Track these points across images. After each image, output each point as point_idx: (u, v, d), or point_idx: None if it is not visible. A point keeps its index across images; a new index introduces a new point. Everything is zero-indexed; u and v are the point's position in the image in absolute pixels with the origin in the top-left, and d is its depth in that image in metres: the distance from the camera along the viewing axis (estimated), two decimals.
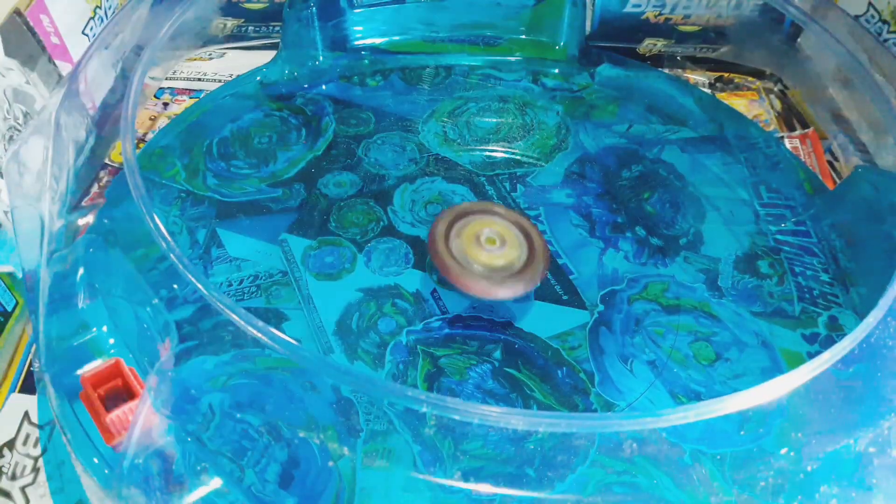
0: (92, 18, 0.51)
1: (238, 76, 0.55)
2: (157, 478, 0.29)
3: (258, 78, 0.54)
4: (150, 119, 0.54)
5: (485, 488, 0.33)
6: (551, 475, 0.33)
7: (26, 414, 0.37)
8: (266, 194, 0.47)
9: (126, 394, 0.29)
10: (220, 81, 0.56)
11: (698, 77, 0.57)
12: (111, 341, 0.31)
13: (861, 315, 0.37)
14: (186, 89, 0.56)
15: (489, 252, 0.40)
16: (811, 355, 0.39)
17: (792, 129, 0.54)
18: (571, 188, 0.48)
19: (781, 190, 0.47)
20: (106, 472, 0.30)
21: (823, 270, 0.43)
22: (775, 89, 0.56)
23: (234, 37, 0.59)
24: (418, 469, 0.34)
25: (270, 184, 0.47)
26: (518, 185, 0.48)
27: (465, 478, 0.33)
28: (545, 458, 0.33)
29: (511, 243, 0.41)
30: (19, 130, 0.43)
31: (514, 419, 0.27)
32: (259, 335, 0.28)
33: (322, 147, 0.50)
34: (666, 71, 0.56)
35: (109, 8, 0.53)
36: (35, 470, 0.35)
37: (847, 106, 0.48)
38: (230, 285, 0.42)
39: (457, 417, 0.27)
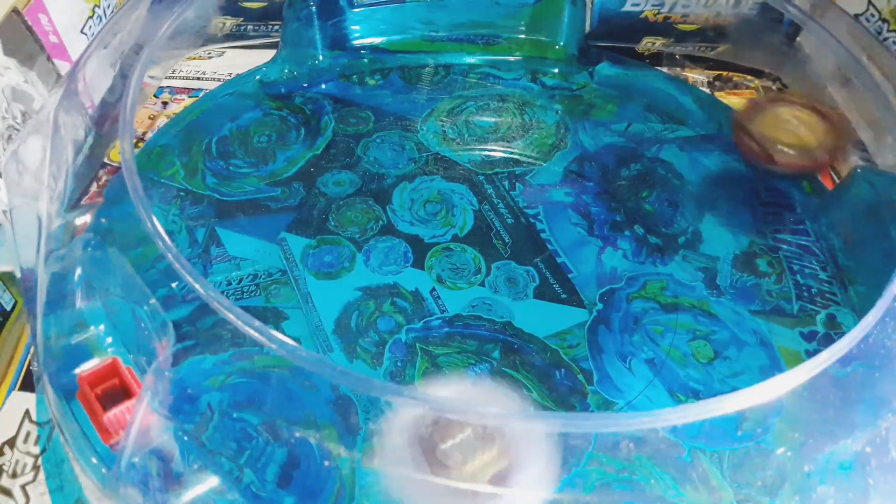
0: (91, 17, 0.51)
1: (237, 75, 0.55)
2: (155, 477, 0.29)
3: (257, 77, 0.54)
4: (150, 118, 0.54)
5: (481, 487, 0.33)
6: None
7: (27, 412, 0.37)
8: (265, 193, 0.47)
9: (123, 393, 0.29)
10: (219, 80, 0.56)
11: (697, 76, 0.57)
12: (109, 340, 0.31)
13: (859, 314, 0.37)
14: (185, 88, 0.56)
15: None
16: (810, 353, 0.39)
17: None
18: (570, 187, 0.48)
19: (780, 189, 0.47)
20: (104, 471, 0.30)
21: (822, 269, 0.43)
22: (774, 88, 0.56)
23: (234, 36, 0.59)
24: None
25: (269, 183, 0.47)
26: (517, 184, 0.48)
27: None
28: None
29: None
30: (18, 130, 0.43)
31: (512, 419, 0.27)
32: (255, 335, 0.28)
33: (321, 146, 0.50)
34: (665, 70, 0.56)
35: (108, 7, 0.53)
36: (35, 468, 0.35)
37: (846, 105, 0.48)
38: (229, 284, 0.42)
39: (454, 417, 0.26)
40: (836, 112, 0.45)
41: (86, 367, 0.30)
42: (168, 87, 0.56)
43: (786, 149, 0.44)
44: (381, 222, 0.45)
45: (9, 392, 0.38)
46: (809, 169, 0.45)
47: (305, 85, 0.54)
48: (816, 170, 0.45)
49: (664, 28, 0.56)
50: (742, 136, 0.46)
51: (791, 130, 0.44)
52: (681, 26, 0.56)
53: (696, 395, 0.38)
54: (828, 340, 0.39)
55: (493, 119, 0.52)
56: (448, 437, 0.28)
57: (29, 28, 0.45)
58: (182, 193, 0.46)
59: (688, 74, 0.57)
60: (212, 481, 0.30)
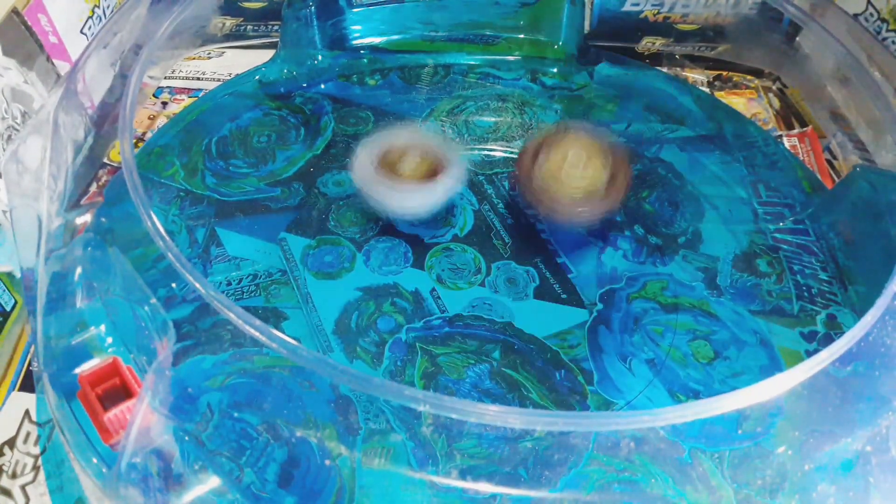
0: (90, 18, 0.51)
1: (237, 75, 0.55)
2: (155, 477, 0.29)
3: (257, 77, 0.54)
4: (149, 118, 0.54)
5: (480, 486, 0.33)
6: (548, 474, 0.33)
7: (27, 413, 0.37)
8: (265, 193, 0.47)
9: (124, 393, 0.29)
10: (218, 80, 0.56)
11: (697, 76, 0.57)
12: (109, 340, 0.31)
13: (859, 313, 0.37)
14: (185, 88, 0.56)
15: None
16: (810, 353, 0.39)
17: (790, 127, 0.54)
18: None
19: (780, 188, 0.47)
20: (104, 471, 0.30)
21: (822, 269, 0.43)
22: (774, 88, 0.56)
23: (233, 36, 0.59)
24: (412, 467, 0.34)
25: (269, 183, 0.47)
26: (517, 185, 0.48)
27: (461, 476, 0.33)
28: (539, 458, 0.33)
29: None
30: (18, 130, 0.43)
31: (511, 418, 0.27)
32: (256, 334, 0.28)
33: (321, 146, 0.50)
34: (664, 70, 0.56)
35: (108, 7, 0.53)
36: (35, 468, 0.35)
37: (846, 104, 0.48)
38: (229, 284, 0.42)
39: (454, 416, 0.27)
40: (618, 151, 0.43)
41: (86, 367, 0.30)
42: (168, 87, 0.56)
43: (568, 204, 0.42)
44: (381, 222, 0.45)
45: (9, 392, 0.38)
46: (590, 218, 0.43)
47: (305, 85, 0.54)
48: (598, 215, 0.43)
49: (664, 28, 0.56)
50: (525, 189, 0.43)
51: (575, 185, 0.41)
52: (681, 26, 0.56)
53: (696, 396, 0.38)
54: (828, 340, 0.39)
55: (493, 119, 0.52)
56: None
57: (28, 28, 0.45)
58: (182, 193, 0.46)
59: (688, 74, 0.57)
60: (212, 481, 0.30)
